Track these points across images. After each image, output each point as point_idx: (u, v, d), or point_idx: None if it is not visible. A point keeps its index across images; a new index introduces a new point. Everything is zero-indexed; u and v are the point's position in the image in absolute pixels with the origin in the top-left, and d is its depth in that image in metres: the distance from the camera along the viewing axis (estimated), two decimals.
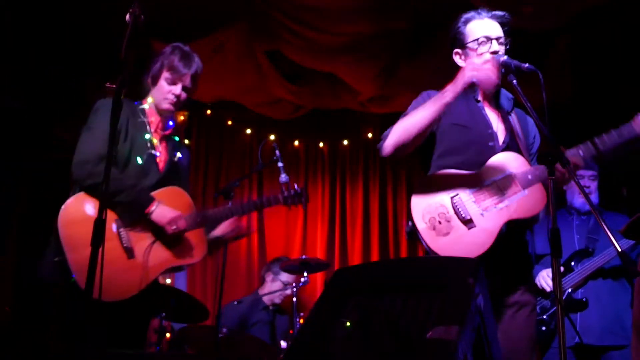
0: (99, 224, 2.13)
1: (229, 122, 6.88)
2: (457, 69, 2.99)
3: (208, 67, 5.54)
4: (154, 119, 3.14)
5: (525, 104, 2.57)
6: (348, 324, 2.00)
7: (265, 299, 5.64)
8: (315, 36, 5.17)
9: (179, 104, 3.14)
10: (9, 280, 5.43)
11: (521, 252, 2.82)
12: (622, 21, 4.97)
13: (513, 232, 2.71)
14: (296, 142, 7.05)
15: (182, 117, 7.06)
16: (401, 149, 2.78)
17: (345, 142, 7.08)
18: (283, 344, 5.10)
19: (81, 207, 2.82)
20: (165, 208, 2.92)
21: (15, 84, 5.37)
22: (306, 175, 6.99)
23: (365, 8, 4.86)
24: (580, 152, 2.67)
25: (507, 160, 2.74)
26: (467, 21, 2.91)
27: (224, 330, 4.39)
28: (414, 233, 2.74)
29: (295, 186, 3.49)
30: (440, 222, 2.69)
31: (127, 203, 2.87)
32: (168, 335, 4.67)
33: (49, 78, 5.45)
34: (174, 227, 2.92)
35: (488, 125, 2.85)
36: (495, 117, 2.90)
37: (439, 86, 3.06)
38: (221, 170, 6.80)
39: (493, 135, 2.83)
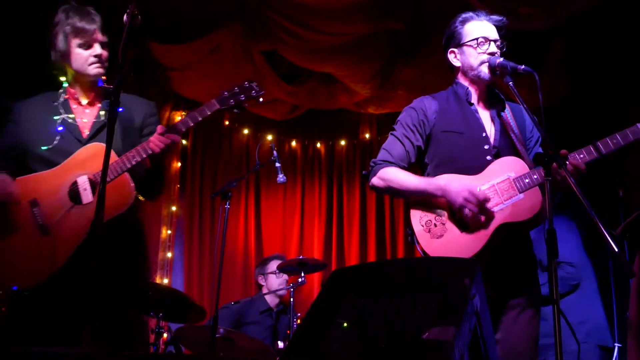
0: (97, 223, 2.12)
1: (226, 123, 6.88)
2: (451, 69, 3.01)
3: (205, 68, 5.59)
4: (72, 91, 2.99)
5: (522, 105, 2.58)
6: (345, 324, 2.00)
7: (269, 301, 5.60)
8: (312, 36, 5.18)
9: (104, 64, 2.94)
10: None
11: (523, 254, 2.82)
12: (618, 22, 4.98)
13: (512, 234, 2.71)
14: (293, 143, 7.05)
15: (178, 118, 7.09)
16: (388, 194, 2.97)
17: (343, 143, 7.09)
18: (280, 344, 5.10)
19: None
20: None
21: (10, 84, 5.36)
22: (303, 176, 7.00)
23: (362, 8, 4.87)
24: (582, 155, 2.67)
25: (508, 164, 2.75)
26: (465, 21, 2.92)
27: (221, 330, 4.38)
28: (412, 236, 2.78)
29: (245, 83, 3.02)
30: (435, 225, 2.73)
31: None
32: (165, 335, 4.67)
33: (45, 78, 5.44)
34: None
35: (482, 128, 2.86)
36: (489, 118, 2.91)
37: (436, 87, 3.08)
38: (218, 170, 6.80)
39: (487, 139, 2.84)
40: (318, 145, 7.11)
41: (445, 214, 2.72)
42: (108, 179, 2.51)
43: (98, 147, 2.82)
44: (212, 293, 6.03)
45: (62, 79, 3.02)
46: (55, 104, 2.95)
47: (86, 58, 2.91)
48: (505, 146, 2.85)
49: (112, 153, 2.61)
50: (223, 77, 5.71)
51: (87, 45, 2.90)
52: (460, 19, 2.95)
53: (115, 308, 2.70)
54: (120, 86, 2.32)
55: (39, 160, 2.86)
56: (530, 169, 2.74)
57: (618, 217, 4.99)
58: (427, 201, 2.77)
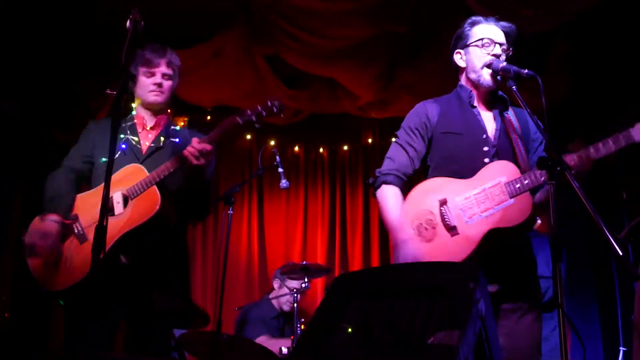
0: (100, 230, 2.14)
1: None
2: (455, 71, 3.02)
3: (207, 72, 5.60)
4: (140, 115, 3.29)
5: (525, 109, 2.58)
6: (349, 329, 1.99)
7: (274, 302, 5.62)
8: (314, 40, 5.18)
9: (163, 94, 3.23)
10: (8, 286, 5.42)
11: (522, 257, 2.81)
12: (620, 23, 4.98)
13: (506, 238, 2.70)
14: (296, 148, 7.05)
15: (181, 123, 7.11)
16: None
17: (345, 147, 7.08)
18: (284, 350, 5.09)
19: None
20: (44, 225, 3.04)
21: (14, 89, 5.38)
22: (306, 181, 6.99)
23: (364, 12, 4.87)
24: (575, 158, 2.66)
25: (499, 169, 2.75)
26: (474, 23, 2.94)
27: (224, 336, 4.37)
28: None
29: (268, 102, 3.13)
30: (426, 229, 2.74)
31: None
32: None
33: (48, 83, 5.46)
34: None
35: (483, 130, 2.86)
36: (491, 120, 2.91)
37: (438, 91, 3.08)
38: (221, 175, 6.80)
39: (488, 141, 2.84)
40: (321, 150, 7.10)
41: (437, 217, 2.73)
42: (139, 192, 3.00)
43: (135, 167, 3.10)
44: (215, 298, 6.02)
45: (133, 105, 3.32)
46: (123, 125, 3.25)
47: (147, 85, 3.19)
48: (505, 147, 2.85)
49: (145, 171, 3.06)
50: (225, 81, 5.72)
51: (151, 74, 3.18)
52: (470, 21, 2.97)
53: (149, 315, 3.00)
54: (123, 91, 2.34)
55: (97, 171, 3.19)
56: (525, 171, 2.73)
57: (622, 221, 4.98)
58: (418, 201, 2.79)
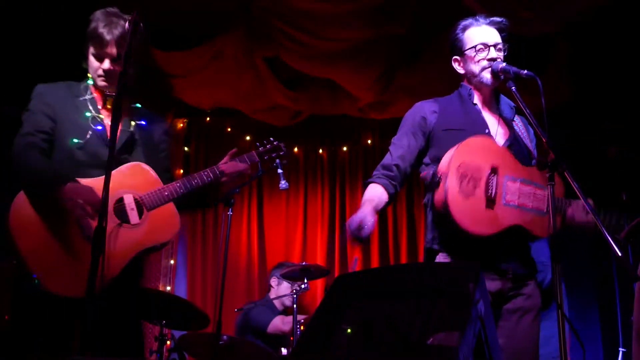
0: (99, 231, 2.12)
1: (228, 129, 6.87)
2: (456, 74, 3.02)
3: (207, 74, 5.60)
4: (96, 95, 2.91)
5: (524, 110, 2.58)
6: (349, 330, 1.99)
7: (277, 302, 5.62)
8: (314, 42, 5.18)
9: (113, 78, 2.81)
10: (8, 288, 5.41)
11: (524, 258, 2.81)
12: (621, 24, 4.98)
13: (522, 239, 2.70)
14: (295, 149, 7.04)
15: (181, 125, 7.07)
16: None
17: (345, 148, 7.08)
18: (284, 351, 5.09)
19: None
20: (79, 187, 2.62)
21: (12, 89, 5.37)
22: (306, 182, 6.99)
23: (363, 14, 4.87)
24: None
25: (544, 178, 2.69)
26: (464, 28, 2.92)
27: (224, 337, 4.38)
28: (436, 179, 2.69)
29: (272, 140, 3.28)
30: (468, 182, 2.65)
31: (34, 188, 2.66)
32: (168, 342, 4.66)
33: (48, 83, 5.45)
34: (78, 212, 2.58)
35: (485, 125, 2.86)
36: (495, 121, 2.90)
37: (438, 92, 3.08)
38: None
39: (490, 136, 2.83)
40: (320, 151, 7.10)
41: (483, 179, 2.66)
42: (156, 205, 2.76)
43: (138, 168, 2.83)
44: (215, 300, 6.02)
45: (89, 75, 2.91)
46: (81, 99, 2.86)
47: (96, 69, 2.84)
48: (519, 148, 2.85)
49: (151, 172, 2.82)
50: (225, 83, 5.72)
51: (99, 58, 2.82)
52: (460, 26, 2.95)
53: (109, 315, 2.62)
54: (123, 92, 2.33)
55: (62, 153, 2.77)
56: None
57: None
58: (475, 154, 2.70)
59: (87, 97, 2.87)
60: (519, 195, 2.68)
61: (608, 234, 2.17)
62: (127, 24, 2.43)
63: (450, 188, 2.61)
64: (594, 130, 5.48)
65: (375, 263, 6.67)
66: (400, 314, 1.95)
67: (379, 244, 6.77)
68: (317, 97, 6.17)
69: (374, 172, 2.94)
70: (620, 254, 2.17)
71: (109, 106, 2.88)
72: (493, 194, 2.65)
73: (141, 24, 2.41)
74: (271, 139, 3.38)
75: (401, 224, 6.79)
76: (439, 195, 2.65)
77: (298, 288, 5.12)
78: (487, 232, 2.62)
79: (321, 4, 4.78)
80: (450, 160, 2.65)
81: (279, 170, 4.68)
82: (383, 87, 5.70)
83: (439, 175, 2.68)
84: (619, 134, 5.22)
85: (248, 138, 6.91)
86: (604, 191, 4.41)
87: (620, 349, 4.90)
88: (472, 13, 3.03)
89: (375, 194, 2.84)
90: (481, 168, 2.67)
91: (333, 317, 2.06)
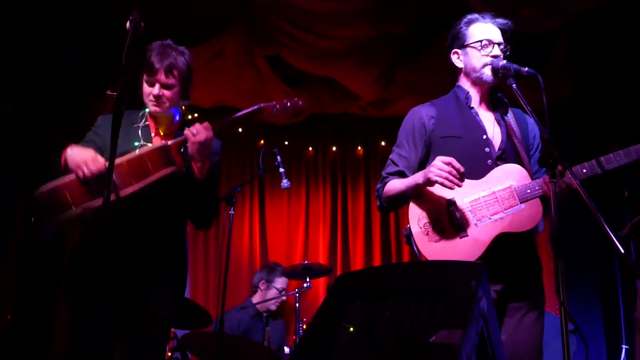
0: (103, 236, 2.13)
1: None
2: (454, 70, 3.00)
3: (208, 73, 5.59)
4: (151, 123, 3.06)
5: (525, 108, 2.57)
6: (351, 328, 1.99)
7: (259, 306, 5.66)
8: (315, 40, 5.18)
9: (164, 104, 2.97)
10: (10, 287, 5.42)
11: (527, 258, 2.80)
12: (622, 22, 4.98)
13: (514, 243, 2.69)
14: (297, 148, 7.03)
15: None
16: (393, 207, 2.97)
17: (347, 147, 7.07)
18: (286, 349, 5.10)
19: None
20: (78, 150, 2.77)
21: (14, 90, 5.38)
22: (307, 180, 6.99)
23: (364, 12, 4.87)
24: (585, 170, 2.64)
25: (510, 172, 2.73)
26: (470, 22, 2.92)
27: (227, 336, 4.38)
28: (409, 236, 2.77)
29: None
30: (434, 228, 2.71)
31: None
32: (171, 341, 4.66)
33: (49, 84, 5.46)
34: (82, 170, 2.71)
35: (482, 131, 2.85)
36: (491, 121, 2.90)
37: (439, 90, 3.07)
38: (222, 176, 6.77)
39: (488, 142, 2.82)
40: (322, 149, 7.09)
41: (445, 216, 2.70)
42: None
43: None
44: (217, 299, 6.03)
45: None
46: (136, 125, 3.02)
47: (147, 94, 2.98)
48: (510, 150, 2.84)
49: None
50: (226, 81, 5.72)
51: (150, 84, 2.96)
52: (465, 20, 2.94)
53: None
54: (123, 93, 2.33)
55: None
56: (531, 177, 2.73)
57: (624, 218, 4.98)
58: (426, 199, 2.75)
59: (142, 124, 3.04)
60: (487, 207, 2.69)
61: (611, 231, 2.16)
62: (128, 24, 2.43)
63: (421, 245, 2.70)
64: (594, 128, 5.49)
65: (377, 261, 6.67)
66: (402, 312, 1.95)
67: (381, 242, 6.77)
68: (318, 96, 6.17)
69: (384, 175, 2.93)
70: (622, 251, 2.17)
71: (161, 132, 3.03)
72: (461, 225, 2.67)
73: (142, 23, 2.42)
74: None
75: (403, 222, 6.78)
76: (416, 251, 2.72)
77: (299, 291, 5.13)
78: (476, 257, 2.63)
79: (322, 3, 4.78)
80: (410, 219, 2.75)
81: (281, 169, 4.69)
82: (384, 85, 5.70)
83: (407, 228, 2.78)
84: (620, 130, 5.22)
85: (249, 137, 6.90)
86: (606, 188, 4.40)
87: (623, 345, 4.90)
88: (472, 11, 3.02)
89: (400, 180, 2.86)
90: (440, 208, 2.72)
91: (335, 316, 2.06)
